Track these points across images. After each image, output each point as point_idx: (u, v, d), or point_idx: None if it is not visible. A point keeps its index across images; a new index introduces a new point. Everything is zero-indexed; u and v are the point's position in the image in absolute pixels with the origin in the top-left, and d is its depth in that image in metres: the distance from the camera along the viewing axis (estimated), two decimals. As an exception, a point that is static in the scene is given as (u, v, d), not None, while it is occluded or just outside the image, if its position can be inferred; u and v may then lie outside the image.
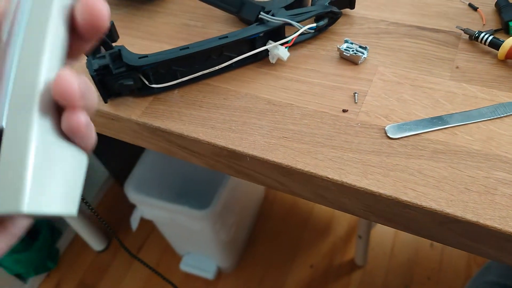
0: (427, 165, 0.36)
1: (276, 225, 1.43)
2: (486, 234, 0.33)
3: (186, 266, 1.33)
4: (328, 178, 0.36)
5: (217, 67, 0.44)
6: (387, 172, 0.36)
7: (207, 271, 1.31)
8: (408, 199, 0.34)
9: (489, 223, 0.32)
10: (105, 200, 1.58)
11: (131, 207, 1.15)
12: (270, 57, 0.45)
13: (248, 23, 0.49)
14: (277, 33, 0.46)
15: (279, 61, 0.46)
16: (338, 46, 0.45)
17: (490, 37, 0.42)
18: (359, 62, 0.44)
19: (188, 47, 0.43)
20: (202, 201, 1.03)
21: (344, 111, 0.41)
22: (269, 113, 0.42)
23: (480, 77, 0.41)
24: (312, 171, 0.37)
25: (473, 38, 0.44)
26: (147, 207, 1.09)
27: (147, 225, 1.23)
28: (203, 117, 0.42)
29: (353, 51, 0.44)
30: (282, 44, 0.45)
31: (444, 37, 0.46)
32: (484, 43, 0.43)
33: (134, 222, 1.15)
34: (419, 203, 0.34)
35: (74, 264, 1.43)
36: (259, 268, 1.35)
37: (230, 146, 0.40)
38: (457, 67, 0.43)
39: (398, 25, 0.48)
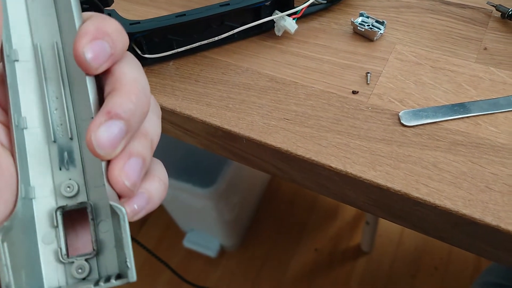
0: (443, 158, 0.32)
1: (282, 206, 1.41)
2: (507, 241, 0.29)
3: (189, 243, 1.32)
4: (331, 167, 0.32)
5: (216, 38, 0.40)
6: (397, 164, 0.32)
7: (210, 249, 1.30)
8: (420, 196, 0.30)
9: (511, 228, 0.28)
10: (111, 172, 1.57)
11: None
12: (276, 29, 0.41)
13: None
14: (285, 3, 0.41)
15: (286, 34, 0.42)
16: (352, 20, 0.40)
17: (526, 16, 0.37)
18: (375, 38, 0.39)
19: (184, 14, 0.39)
20: (206, 179, 1.01)
21: (354, 92, 0.36)
22: (271, 91, 0.38)
23: (511, 61, 0.37)
24: (313, 158, 0.33)
25: (506, 16, 0.39)
26: (150, 182, 1.07)
27: (151, 199, 1.21)
28: (199, 93, 0.38)
29: (368, 26, 0.40)
30: (289, 15, 0.40)
31: (472, 14, 0.41)
32: (518, 22, 0.38)
33: (137, 197, 1.13)
34: (431, 200, 0.30)
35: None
36: (262, 249, 1.33)
37: (226, 126, 0.36)
38: (485, 49, 0.38)
39: (421, -1, 0.43)
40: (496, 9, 0.39)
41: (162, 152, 1.12)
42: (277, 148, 0.34)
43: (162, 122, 0.41)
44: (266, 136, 0.35)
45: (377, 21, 0.40)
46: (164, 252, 1.36)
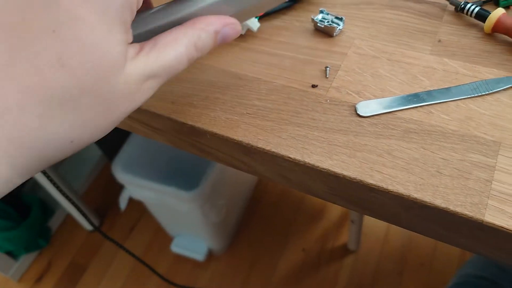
0: (397, 145, 0.33)
1: (269, 208, 1.42)
2: (456, 222, 0.30)
3: (177, 247, 1.32)
4: (290, 158, 0.33)
5: (181, 38, 0.41)
6: (353, 153, 0.33)
7: (198, 252, 1.30)
8: (374, 182, 0.31)
9: (459, 209, 0.29)
10: (98, 179, 1.57)
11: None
12: (239, 27, 0.42)
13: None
14: None
15: (249, 32, 0.43)
16: (312, 17, 0.41)
17: (477, 8, 0.39)
18: (334, 34, 0.41)
19: (148, 15, 0.40)
20: (191, 182, 1.01)
21: (313, 86, 0.38)
22: (234, 88, 0.39)
23: (463, 52, 0.38)
24: (273, 150, 0.34)
25: (459, 9, 0.40)
26: (135, 187, 1.07)
27: (139, 205, 1.22)
28: (164, 91, 0.39)
29: (328, 22, 0.41)
30: (252, 14, 0.41)
31: (428, 8, 0.42)
32: (470, 15, 0.39)
33: (123, 202, 1.14)
34: (385, 186, 0.31)
35: (66, 243, 1.42)
36: (250, 251, 1.33)
37: (190, 122, 0.37)
38: (439, 41, 0.39)
39: (379, -5, 0.44)
40: (450, 3, 0.41)
41: (147, 155, 1.12)
42: (239, 142, 0.35)
43: (131, 121, 0.42)
44: (228, 130, 0.36)
45: (336, 18, 0.41)
46: (152, 257, 1.36)
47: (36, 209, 1.34)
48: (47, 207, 1.43)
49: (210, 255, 1.33)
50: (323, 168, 0.32)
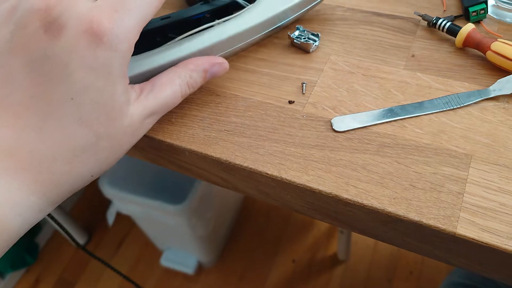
0: (372, 160, 0.33)
1: (259, 219, 1.41)
2: (430, 234, 0.31)
3: (166, 261, 1.32)
4: (268, 174, 0.34)
5: (160, 55, 0.41)
6: (329, 168, 0.33)
7: (188, 266, 1.30)
8: (349, 197, 0.32)
9: (432, 222, 0.30)
10: (86, 194, 1.56)
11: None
12: (217, 45, 0.43)
13: (194, 3, 0.46)
14: (225, 14, 0.43)
15: (227, 50, 0.43)
16: (289, 33, 0.42)
17: (448, 24, 0.40)
18: (311, 50, 0.41)
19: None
20: (178, 195, 1.01)
21: (290, 102, 0.38)
22: (212, 104, 0.39)
23: (436, 66, 0.39)
24: (251, 166, 0.34)
25: (431, 24, 0.41)
26: (122, 202, 1.07)
27: (128, 219, 1.21)
28: (143, 109, 0.39)
29: (304, 38, 0.42)
30: (229, 32, 0.42)
31: (402, 24, 0.43)
32: (442, 30, 0.40)
33: (110, 217, 1.13)
34: (360, 201, 0.31)
35: (53, 259, 1.41)
36: (240, 263, 1.33)
37: (168, 140, 0.37)
38: (412, 56, 0.40)
39: (354, 11, 0.45)
40: (423, 19, 0.42)
41: (135, 170, 1.12)
42: (217, 159, 0.35)
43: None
44: (206, 147, 0.36)
45: (312, 34, 0.42)
46: (141, 271, 1.35)
47: (23, 226, 1.32)
48: (34, 223, 1.41)
49: (200, 268, 1.33)
50: (299, 184, 0.33)
